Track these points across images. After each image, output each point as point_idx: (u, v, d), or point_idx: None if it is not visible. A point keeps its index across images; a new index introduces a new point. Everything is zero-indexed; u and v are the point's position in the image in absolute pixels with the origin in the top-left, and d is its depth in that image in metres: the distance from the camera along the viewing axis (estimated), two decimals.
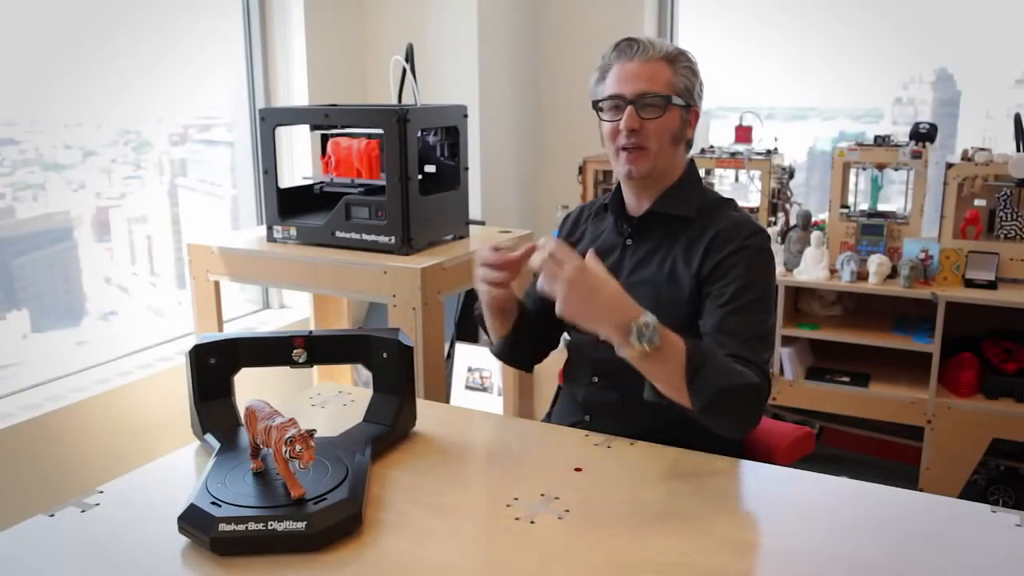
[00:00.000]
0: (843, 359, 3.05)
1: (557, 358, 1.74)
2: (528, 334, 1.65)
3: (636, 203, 1.59)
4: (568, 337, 1.69)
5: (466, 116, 2.27)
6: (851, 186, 3.00)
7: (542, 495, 1.22)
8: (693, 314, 1.47)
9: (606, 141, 1.54)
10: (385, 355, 1.40)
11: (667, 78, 1.49)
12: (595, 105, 1.54)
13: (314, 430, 1.15)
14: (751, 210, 3.13)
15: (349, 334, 1.45)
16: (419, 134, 2.14)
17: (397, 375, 1.40)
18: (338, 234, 2.16)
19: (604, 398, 1.56)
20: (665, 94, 1.48)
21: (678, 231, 1.53)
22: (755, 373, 1.34)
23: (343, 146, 2.20)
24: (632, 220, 1.58)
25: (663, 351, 1.24)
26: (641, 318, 1.22)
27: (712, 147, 3.17)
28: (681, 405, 1.30)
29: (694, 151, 3.20)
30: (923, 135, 2.88)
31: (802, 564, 1.05)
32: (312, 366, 1.57)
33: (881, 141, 2.90)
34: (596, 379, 1.57)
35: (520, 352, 1.69)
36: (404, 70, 2.26)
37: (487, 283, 1.45)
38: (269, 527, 1.08)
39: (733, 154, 3.09)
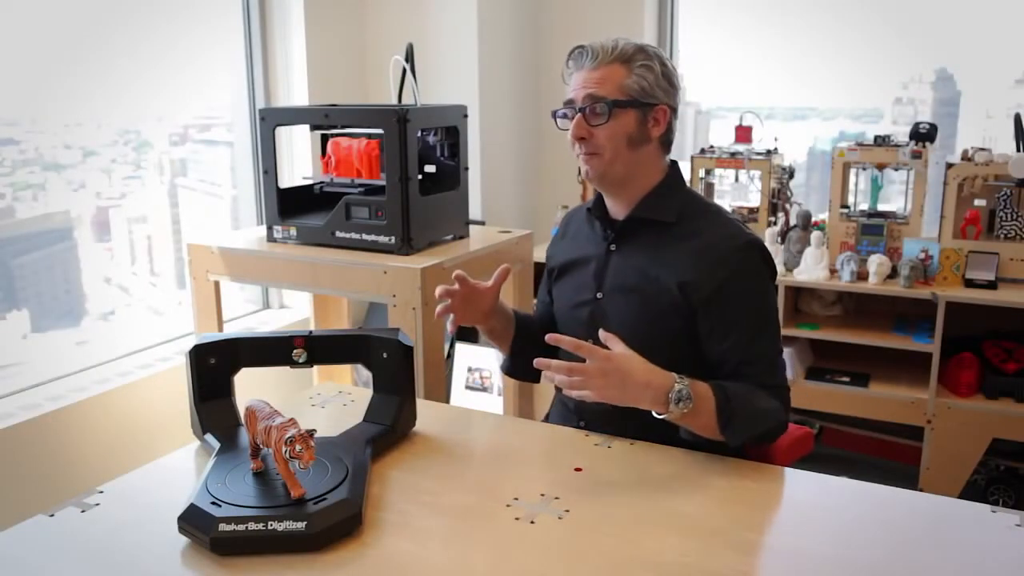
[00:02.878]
0: (843, 359, 3.05)
1: None
2: (531, 349, 1.66)
3: (615, 207, 1.57)
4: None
5: (466, 116, 2.26)
6: (851, 186, 3.00)
7: (542, 495, 1.22)
8: (682, 326, 1.47)
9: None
10: (385, 355, 1.40)
11: (619, 81, 1.46)
12: (553, 114, 1.55)
13: (314, 430, 1.15)
14: (751, 210, 3.13)
15: (349, 334, 1.45)
16: (419, 134, 2.14)
17: (397, 375, 1.40)
18: (338, 234, 2.16)
19: (595, 405, 1.55)
20: (611, 99, 1.45)
21: (661, 237, 1.51)
22: (779, 398, 1.46)
23: (343, 146, 2.20)
24: (615, 224, 1.57)
25: (697, 406, 1.32)
26: (675, 386, 1.30)
27: (712, 147, 3.17)
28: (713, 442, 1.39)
29: (694, 151, 3.22)
30: (923, 135, 2.88)
31: (802, 564, 1.05)
32: (312, 366, 1.57)
33: (881, 141, 2.90)
34: (681, 435, 1.52)
35: (526, 368, 1.70)
36: (404, 70, 2.26)
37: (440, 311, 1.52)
38: (269, 527, 1.08)
39: (733, 154, 3.09)
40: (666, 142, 1.54)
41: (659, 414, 1.31)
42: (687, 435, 1.40)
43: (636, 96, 1.47)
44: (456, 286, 1.52)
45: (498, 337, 1.68)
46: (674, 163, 1.58)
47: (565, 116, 1.52)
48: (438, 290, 1.52)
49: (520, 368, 1.73)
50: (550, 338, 1.32)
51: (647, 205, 1.53)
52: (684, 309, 1.46)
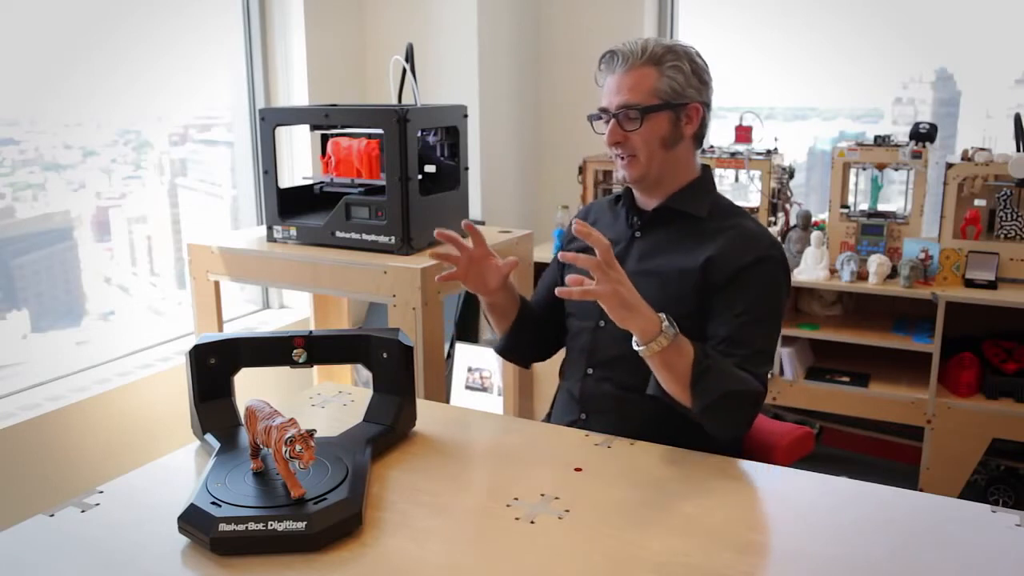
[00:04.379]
0: (843, 359, 3.05)
1: (559, 358, 1.74)
2: (529, 333, 1.70)
3: (645, 199, 1.61)
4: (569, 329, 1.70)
5: (466, 116, 2.26)
6: (851, 186, 3.00)
7: (542, 495, 1.22)
8: (697, 310, 1.49)
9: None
10: (385, 355, 1.40)
11: (650, 84, 1.49)
12: (589, 119, 1.58)
13: (314, 430, 1.15)
14: (751, 210, 3.13)
15: (349, 334, 1.45)
16: (419, 134, 2.14)
17: (397, 375, 1.40)
18: (338, 234, 2.16)
19: (599, 390, 1.57)
20: (643, 105, 1.48)
21: (688, 229, 1.55)
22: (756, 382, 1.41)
23: (343, 146, 2.20)
24: (643, 213, 1.60)
25: (679, 345, 1.31)
26: (661, 312, 1.31)
27: (712, 147, 3.17)
28: (682, 405, 1.37)
29: None
30: (923, 135, 2.88)
31: (802, 564, 1.05)
32: (312, 366, 1.57)
33: (881, 141, 2.90)
34: (591, 371, 1.59)
35: (520, 350, 1.75)
36: (404, 70, 2.26)
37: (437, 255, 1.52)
38: (269, 527, 1.08)
39: (733, 154, 3.09)
40: (699, 137, 1.57)
41: (640, 344, 1.29)
42: (655, 390, 1.39)
43: (668, 98, 1.49)
44: (468, 241, 1.53)
45: (499, 314, 1.67)
46: (706, 167, 1.62)
47: (600, 119, 1.55)
48: (442, 232, 1.50)
49: (513, 350, 1.74)
50: (577, 230, 1.27)
51: (680, 198, 1.57)
52: (702, 288, 1.48)
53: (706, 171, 1.62)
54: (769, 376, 1.54)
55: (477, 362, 3.12)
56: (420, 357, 2.01)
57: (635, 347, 1.31)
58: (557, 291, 1.26)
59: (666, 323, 1.29)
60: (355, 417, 1.43)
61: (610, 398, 1.55)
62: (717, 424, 1.39)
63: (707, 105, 1.55)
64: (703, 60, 1.54)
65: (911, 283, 2.76)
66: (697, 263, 1.49)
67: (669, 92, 1.49)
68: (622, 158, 1.54)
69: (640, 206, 1.62)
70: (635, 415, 1.50)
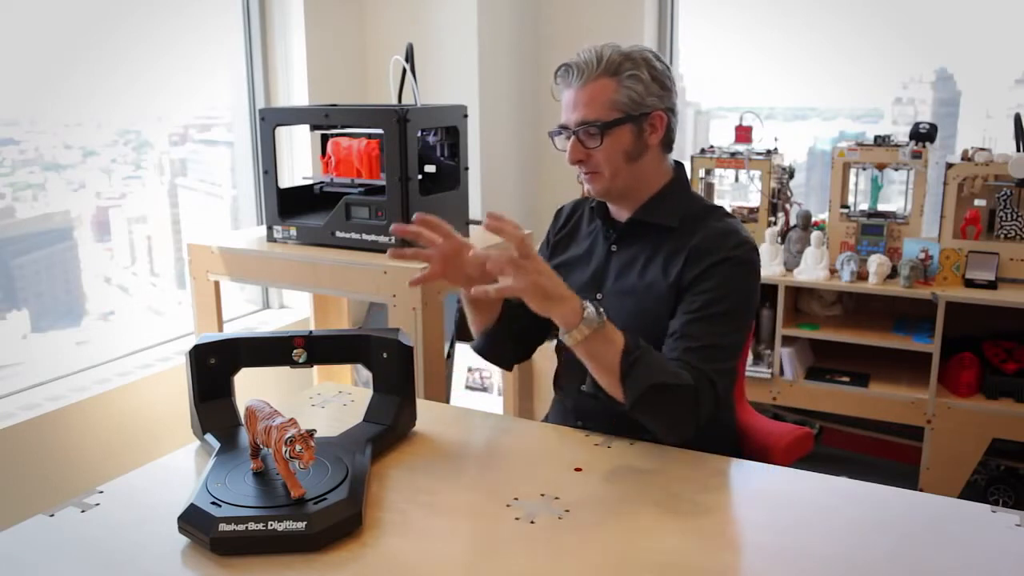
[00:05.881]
0: (843, 359, 3.05)
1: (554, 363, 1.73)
2: (508, 332, 1.61)
3: (618, 209, 1.57)
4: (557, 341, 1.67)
5: (466, 116, 2.27)
6: (851, 186, 3.00)
7: (542, 495, 1.22)
8: (671, 318, 1.45)
9: None
10: (385, 355, 1.40)
11: (608, 96, 1.44)
12: (550, 135, 1.53)
13: (314, 430, 1.15)
14: (751, 210, 3.13)
15: (349, 334, 1.45)
16: (419, 134, 2.14)
17: (397, 375, 1.40)
18: (338, 234, 2.16)
19: (594, 406, 1.54)
20: (602, 121, 1.44)
21: (662, 240, 1.50)
22: (696, 377, 1.33)
23: (343, 146, 2.20)
24: (616, 225, 1.57)
25: (605, 335, 1.28)
26: (586, 300, 1.28)
27: (712, 147, 3.17)
28: (617, 402, 1.33)
29: (694, 151, 3.22)
30: (923, 135, 2.88)
31: (802, 564, 1.05)
32: (312, 366, 1.58)
33: (881, 141, 2.90)
34: (584, 387, 1.53)
35: (499, 349, 1.66)
36: (404, 70, 2.26)
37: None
38: (269, 527, 1.08)
39: (733, 154, 3.09)
40: (667, 143, 1.52)
41: (568, 331, 1.26)
42: (591, 387, 1.37)
43: (628, 110, 1.45)
44: (436, 237, 1.44)
45: (480, 310, 1.57)
46: (679, 165, 1.57)
47: (561, 135, 1.50)
48: (398, 226, 1.43)
49: (491, 350, 1.65)
50: (487, 225, 1.27)
51: (650, 208, 1.52)
52: (673, 304, 1.45)
53: (678, 171, 1.56)
54: (722, 381, 1.44)
55: (477, 362, 3.11)
56: (420, 357, 2.02)
57: (560, 336, 1.28)
58: (472, 292, 1.23)
59: (589, 311, 1.26)
60: (355, 417, 1.43)
61: (605, 412, 1.51)
62: (651, 420, 1.34)
63: (671, 111, 1.50)
64: (663, 64, 1.49)
65: (911, 283, 2.77)
66: (670, 281, 1.45)
67: (628, 103, 1.44)
68: (586, 174, 1.50)
69: (614, 216, 1.58)
70: (634, 423, 1.48)
